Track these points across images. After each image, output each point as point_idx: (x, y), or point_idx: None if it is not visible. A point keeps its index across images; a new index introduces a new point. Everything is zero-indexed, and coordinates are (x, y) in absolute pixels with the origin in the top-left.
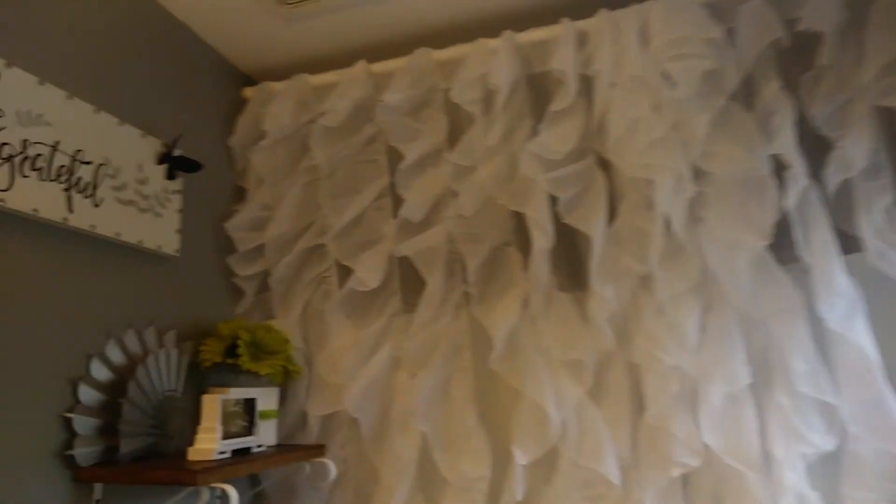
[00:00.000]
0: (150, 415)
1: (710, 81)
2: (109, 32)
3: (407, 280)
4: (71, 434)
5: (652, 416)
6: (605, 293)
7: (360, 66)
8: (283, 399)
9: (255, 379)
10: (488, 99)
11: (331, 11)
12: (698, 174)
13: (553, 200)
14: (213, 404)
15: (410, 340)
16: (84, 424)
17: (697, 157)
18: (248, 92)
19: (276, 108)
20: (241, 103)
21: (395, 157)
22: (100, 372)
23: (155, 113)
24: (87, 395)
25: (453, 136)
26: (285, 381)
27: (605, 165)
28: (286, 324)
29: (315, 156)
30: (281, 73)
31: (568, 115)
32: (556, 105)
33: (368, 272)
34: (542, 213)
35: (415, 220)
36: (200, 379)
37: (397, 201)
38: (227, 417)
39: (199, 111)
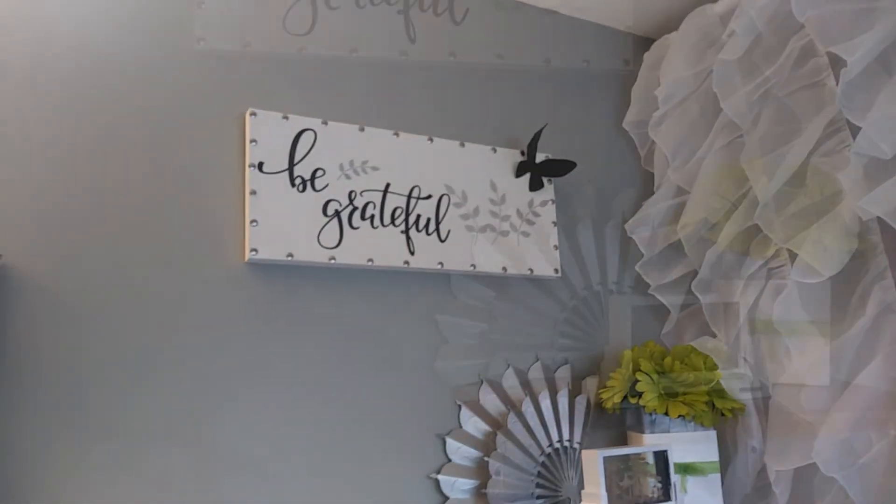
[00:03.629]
0: (533, 473)
1: None
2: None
3: None
4: (442, 498)
5: None
6: None
7: None
8: (733, 445)
9: (678, 422)
10: None
11: None
12: None
13: None
14: (591, 462)
15: None
16: (453, 487)
17: None
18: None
19: (669, 61)
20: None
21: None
22: (471, 423)
23: (504, 122)
24: (457, 451)
25: None
26: (720, 422)
27: None
28: (725, 341)
29: (725, 106)
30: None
31: None
32: None
33: (817, 254)
34: None
35: (885, 155)
36: (617, 423)
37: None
38: (630, 474)
39: (574, 98)
